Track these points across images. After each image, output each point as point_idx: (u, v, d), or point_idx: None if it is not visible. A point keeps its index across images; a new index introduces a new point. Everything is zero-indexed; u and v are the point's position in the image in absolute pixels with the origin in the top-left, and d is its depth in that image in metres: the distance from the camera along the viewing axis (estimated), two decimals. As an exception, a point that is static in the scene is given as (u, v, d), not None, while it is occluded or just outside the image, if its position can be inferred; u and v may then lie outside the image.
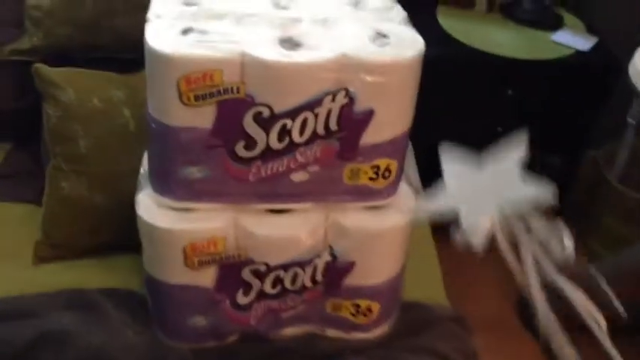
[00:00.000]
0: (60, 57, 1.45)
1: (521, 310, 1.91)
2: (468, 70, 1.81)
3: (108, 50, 1.49)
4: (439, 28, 1.85)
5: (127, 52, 1.44)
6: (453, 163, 0.76)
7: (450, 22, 1.88)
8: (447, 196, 0.71)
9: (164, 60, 0.92)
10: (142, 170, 1.10)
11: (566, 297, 0.65)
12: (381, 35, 1.01)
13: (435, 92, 1.74)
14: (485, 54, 1.77)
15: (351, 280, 1.11)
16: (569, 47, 1.82)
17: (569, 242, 0.66)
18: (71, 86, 1.31)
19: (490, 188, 0.69)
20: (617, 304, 0.64)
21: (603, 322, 0.64)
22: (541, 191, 0.67)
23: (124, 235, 1.16)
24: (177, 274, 1.06)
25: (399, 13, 1.09)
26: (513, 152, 0.70)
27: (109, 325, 1.13)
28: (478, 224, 0.67)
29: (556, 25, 1.91)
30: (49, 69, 1.32)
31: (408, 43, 1.00)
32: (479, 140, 1.91)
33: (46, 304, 1.17)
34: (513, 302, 1.93)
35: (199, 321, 1.12)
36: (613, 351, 0.62)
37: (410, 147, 1.66)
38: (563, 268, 0.65)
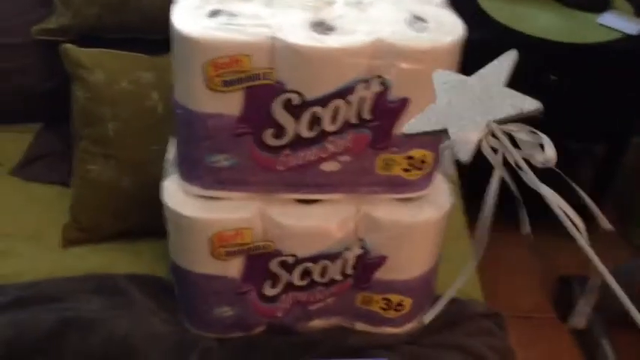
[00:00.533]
0: (89, 37, 1.43)
1: (559, 302, 1.86)
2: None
3: (136, 31, 1.46)
4: (479, 9, 1.78)
5: (156, 33, 1.40)
6: (445, 84, 0.76)
7: (492, 4, 1.80)
8: (436, 114, 0.71)
9: (190, 44, 0.88)
10: (168, 155, 1.07)
11: (548, 202, 0.65)
12: (419, 19, 0.96)
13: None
14: (528, 37, 1.70)
15: (383, 274, 1.07)
16: (616, 30, 1.73)
17: (549, 149, 0.66)
18: (100, 67, 1.28)
19: (477, 104, 0.70)
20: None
21: (582, 226, 0.63)
22: (527, 103, 0.68)
23: (152, 221, 1.13)
24: (203, 264, 1.04)
25: (438, -6, 1.03)
26: (500, 69, 0.72)
27: (135, 312, 1.12)
28: (466, 138, 0.68)
29: (603, 6, 1.82)
30: (78, 50, 1.30)
31: (447, 28, 0.94)
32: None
33: (73, 289, 1.16)
34: (550, 293, 1.89)
35: (225, 311, 1.09)
36: (594, 257, 0.62)
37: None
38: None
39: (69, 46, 1.31)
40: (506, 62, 0.71)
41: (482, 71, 0.73)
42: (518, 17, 1.76)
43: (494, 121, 0.67)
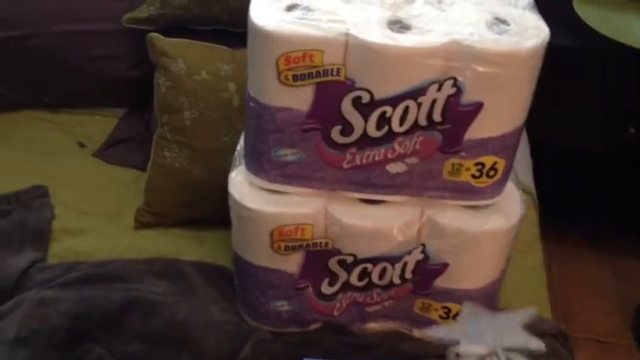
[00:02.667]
0: (175, 28, 1.46)
1: (637, 328, 1.76)
2: (601, 63, 1.66)
3: (221, 23, 1.49)
4: (574, 15, 1.70)
5: (239, 27, 1.43)
6: (472, 309, 0.95)
7: (588, 9, 1.72)
8: (457, 327, 0.90)
9: (264, 37, 0.89)
10: (238, 147, 1.08)
11: None
12: (500, 21, 0.92)
13: (559, 85, 1.64)
14: (623, 46, 1.61)
15: (443, 282, 1.05)
16: None
17: None
18: (182, 57, 1.32)
19: (492, 329, 0.86)
20: None
21: None
22: (534, 344, 0.84)
23: (220, 210, 1.15)
24: (263, 257, 1.04)
25: (526, -4, 0.99)
26: (524, 314, 0.90)
27: (196, 298, 1.14)
28: (473, 350, 0.84)
29: None
30: (163, 39, 1.34)
31: (529, 32, 0.91)
32: (606, 142, 1.78)
33: (140, 271, 1.20)
34: (628, 319, 1.78)
35: (282, 305, 1.10)
36: None
37: (527, 144, 1.57)
38: None
39: (155, 35, 1.35)
40: (529, 313, 0.91)
41: (508, 313, 0.94)
42: (615, 25, 1.67)
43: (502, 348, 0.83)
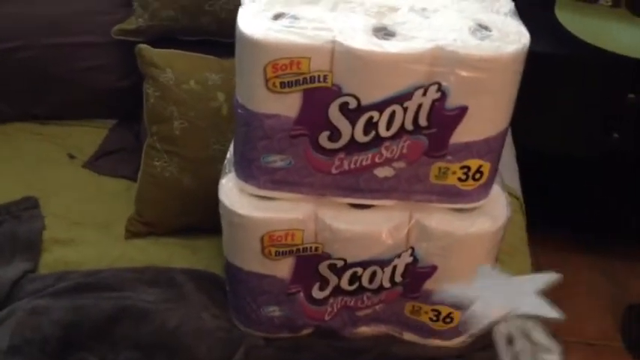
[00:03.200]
0: (163, 39, 1.48)
1: (626, 330, 1.78)
2: (583, 69, 1.69)
3: (209, 33, 1.51)
4: (556, 22, 1.73)
5: (227, 37, 1.44)
6: (488, 271, 0.86)
7: (569, 17, 1.74)
8: (472, 288, 0.80)
9: (251, 44, 0.91)
10: (228, 155, 1.10)
11: None
12: (483, 27, 0.95)
13: (542, 91, 1.66)
14: (605, 52, 1.63)
15: (432, 284, 1.06)
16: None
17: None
18: (170, 67, 1.33)
19: (507, 293, 0.78)
20: None
21: None
22: (551, 313, 0.76)
23: (211, 218, 1.16)
24: (254, 262, 1.05)
25: (507, 4, 1.02)
26: (541, 279, 0.80)
27: (187, 305, 1.14)
28: (486, 313, 0.75)
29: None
30: (151, 50, 1.35)
31: (511, 37, 0.93)
32: (588, 146, 1.80)
33: (132, 279, 1.20)
34: (618, 321, 1.80)
35: (274, 311, 1.10)
36: None
37: (512, 149, 1.59)
38: None
39: (143, 46, 1.36)
40: (547, 278, 0.79)
41: (524, 277, 0.83)
42: (596, 32, 1.70)
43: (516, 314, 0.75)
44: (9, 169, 1.48)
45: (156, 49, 1.36)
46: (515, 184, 1.48)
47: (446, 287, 0.88)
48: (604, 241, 1.95)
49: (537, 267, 1.46)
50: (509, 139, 1.49)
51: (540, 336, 0.74)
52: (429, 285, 1.06)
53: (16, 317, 1.07)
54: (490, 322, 0.74)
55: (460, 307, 0.80)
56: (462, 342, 1.13)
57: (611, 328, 1.81)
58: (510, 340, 0.74)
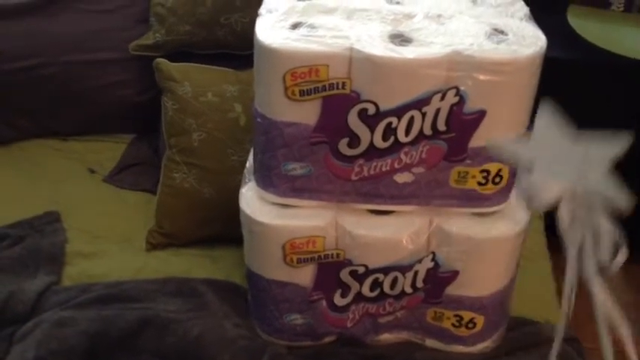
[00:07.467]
0: (180, 53, 1.50)
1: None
2: (596, 73, 1.68)
3: (225, 47, 1.52)
4: (568, 27, 1.73)
5: (243, 49, 1.47)
6: (548, 121, 0.69)
7: (581, 22, 1.75)
8: (530, 145, 0.66)
9: (271, 54, 0.92)
10: (247, 164, 1.11)
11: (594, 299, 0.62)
12: (499, 32, 0.95)
13: (555, 97, 1.66)
14: (618, 57, 1.63)
15: (454, 289, 1.06)
16: None
17: (622, 256, 0.63)
18: (188, 80, 1.35)
19: (574, 164, 0.64)
20: None
21: (627, 332, 0.62)
22: (620, 196, 0.63)
23: (230, 229, 1.17)
24: (276, 270, 1.06)
25: (522, 8, 1.03)
26: (612, 146, 0.66)
27: (209, 315, 1.15)
28: (548, 184, 0.62)
29: None
30: (169, 64, 1.37)
31: (527, 41, 0.93)
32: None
33: (154, 290, 1.21)
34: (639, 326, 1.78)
35: (296, 319, 1.11)
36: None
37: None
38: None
39: (161, 60, 1.38)
40: (616, 147, 0.68)
41: (592, 145, 0.69)
42: (609, 37, 1.70)
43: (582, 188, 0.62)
44: (31, 184, 1.50)
45: (173, 63, 1.38)
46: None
47: (500, 140, 0.74)
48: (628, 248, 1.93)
49: (559, 274, 1.45)
50: (526, 145, 1.49)
51: (608, 228, 0.62)
52: (450, 290, 1.06)
53: (42, 329, 1.08)
54: (552, 198, 0.62)
55: (516, 164, 0.68)
56: (485, 347, 1.13)
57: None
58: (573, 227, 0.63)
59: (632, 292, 1.88)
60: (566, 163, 0.64)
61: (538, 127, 0.68)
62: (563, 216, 0.63)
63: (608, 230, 0.63)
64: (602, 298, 0.62)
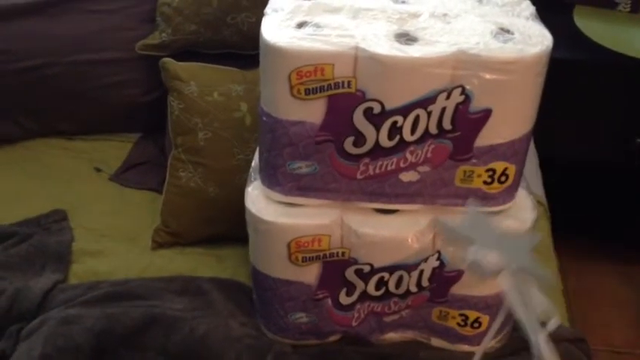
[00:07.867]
0: (186, 53, 1.51)
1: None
2: (603, 74, 1.68)
3: (231, 46, 1.53)
4: (574, 28, 1.73)
5: (249, 49, 1.48)
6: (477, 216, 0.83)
7: (588, 23, 1.75)
8: (467, 225, 0.78)
9: (276, 53, 0.92)
10: (253, 163, 1.11)
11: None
12: (504, 31, 0.95)
13: (562, 98, 1.66)
14: (624, 57, 1.63)
15: (459, 289, 1.06)
16: None
17: (552, 325, 0.73)
18: (194, 80, 1.35)
19: (501, 246, 0.76)
20: None
21: None
22: (545, 272, 0.76)
23: (236, 227, 1.17)
24: (281, 269, 1.06)
25: (528, 7, 1.03)
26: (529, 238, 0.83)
27: (215, 314, 1.15)
28: (485, 263, 0.74)
29: None
30: (175, 63, 1.38)
31: (533, 40, 0.93)
32: (610, 152, 1.79)
33: (160, 289, 1.21)
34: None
35: (301, 317, 1.11)
36: None
37: (534, 153, 1.58)
38: None
39: (167, 60, 1.39)
40: (537, 238, 0.84)
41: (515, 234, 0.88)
42: (615, 37, 1.70)
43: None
44: (37, 184, 1.51)
45: (179, 63, 1.39)
46: (539, 191, 1.47)
47: (445, 219, 0.90)
48: (628, 249, 1.93)
49: (566, 276, 1.45)
50: (531, 147, 1.49)
51: (537, 294, 0.74)
52: (456, 289, 1.06)
53: (48, 326, 1.09)
54: (491, 272, 0.74)
55: (456, 243, 0.81)
56: (491, 347, 1.13)
57: (638, 337, 1.78)
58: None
59: (633, 292, 1.88)
60: (497, 247, 0.76)
61: (469, 215, 0.81)
62: (504, 284, 0.74)
63: (540, 302, 0.74)
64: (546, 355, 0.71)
